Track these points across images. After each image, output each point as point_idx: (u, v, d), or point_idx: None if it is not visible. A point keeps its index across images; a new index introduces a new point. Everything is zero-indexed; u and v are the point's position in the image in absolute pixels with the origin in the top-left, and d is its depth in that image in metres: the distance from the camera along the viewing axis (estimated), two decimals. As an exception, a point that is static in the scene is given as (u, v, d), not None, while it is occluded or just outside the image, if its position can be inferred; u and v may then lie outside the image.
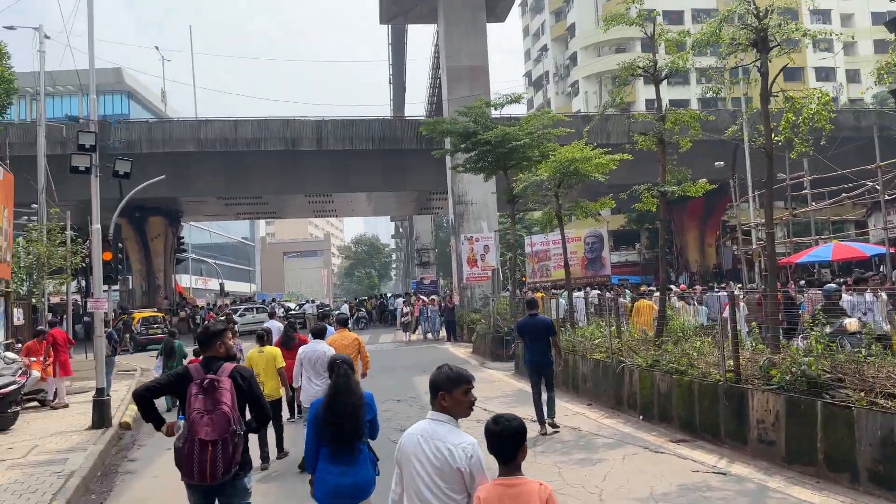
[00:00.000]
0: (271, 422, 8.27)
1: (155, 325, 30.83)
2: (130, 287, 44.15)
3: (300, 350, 8.20)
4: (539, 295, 27.13)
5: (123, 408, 13.07)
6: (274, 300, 48.08)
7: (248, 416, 4.41)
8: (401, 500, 3.12)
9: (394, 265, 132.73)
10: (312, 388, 7.72)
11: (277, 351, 8.92)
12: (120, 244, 24.46)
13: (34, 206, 25.42)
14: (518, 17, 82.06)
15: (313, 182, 38.52)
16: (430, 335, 25.65)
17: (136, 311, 36.49)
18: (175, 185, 37.34)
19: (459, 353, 20.52)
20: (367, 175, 38.21)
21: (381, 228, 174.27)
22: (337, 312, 17.38)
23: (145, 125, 36.96)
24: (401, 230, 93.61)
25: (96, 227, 11.54)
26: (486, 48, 29.29)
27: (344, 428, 4.19)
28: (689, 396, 8.37)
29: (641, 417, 9.37)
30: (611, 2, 66.72)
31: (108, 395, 11.49)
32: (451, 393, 3.11)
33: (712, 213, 48.82)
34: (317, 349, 7.93)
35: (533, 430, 8.98)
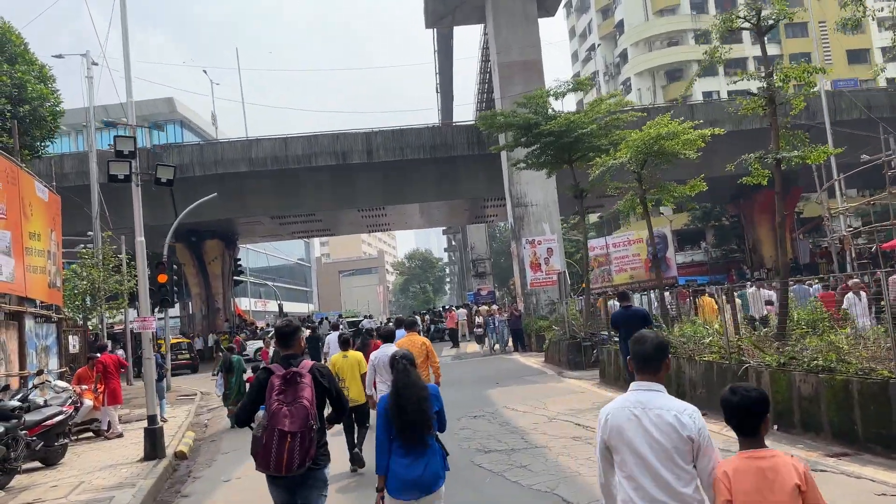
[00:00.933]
0: (357, 427, 8.22)
1: (182, 351, 31.51)
2: (191, 311, 44.11)
3: (372, 356, 8.03)
4: (600, 302, 25.24)
5: (180, 435, 12.11)
6: (325, 319, 47.39)
7: (326, 412, 4.48)
8: (609, 486, 2.88)
9: (448, 279, 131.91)
10: (386, 391, 7.25)
11: (361, 356, 8.61)
12: (175, 266, 23.96)
13: (90, 233, 25.22)
14: (563, 19, 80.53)
15: (366, 195, 37.70)
16: (497, 347, 23.74)
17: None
18: (229, 207, 37.13)
19: (532, 363, 19.10)
20: (420, 185, 37.22)
21: (434, 243, 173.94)
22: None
23: (196, 148, 36.78)
24: (453, 243, 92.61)
25: (140, 239, 10.63)
26: (538, 40, 27.95)
27: (412, 420, 4.21)
28: (846, 399, 6.79)
29: (776, 427, 7.80)
30: (659, -5, 65.00)
31: (160, 422, 10.49)
32: (667, 359, 2.87)
33: (784, 205, 46.05)
34: (388, 353, 7.24)
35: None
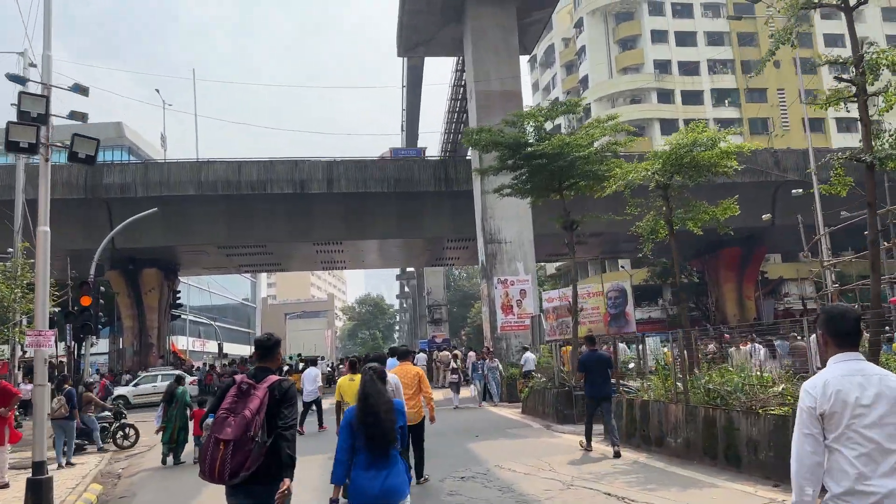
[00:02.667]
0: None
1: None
2: (121, 346, 40.43)
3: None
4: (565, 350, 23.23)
5: (80, 489, 9.39)
6: (234, 361, 44.05)
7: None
8: (817, 466, 2.63)
9: (397, 326, 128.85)
10: None
11: None
12: (103, 288, 21.08)
13: (10, 250, 22.19)
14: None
15: (323, 228, 35.35)
16: (488, 395, 19.13)
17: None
18: (172, 233, 34.27)
19: (508, 415, 16.78)
20: (381, 220, 35.10)
21: (384, 289, 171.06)
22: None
23: (141, 167, 34.03)
24: (406, 289, 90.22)
25: (42, 229, 8.16)
26: (518, 71, 26.53)
27: (378, 431, 4.19)
28: None
29: None
30: (624, 54, 65.47)
31: (57, 469, 7.86)
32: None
33: (749, 262, 45.49)
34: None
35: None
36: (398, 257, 48.20)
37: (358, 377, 7.77)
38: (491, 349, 21.03)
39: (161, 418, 12.03)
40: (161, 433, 11.97)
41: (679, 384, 9.34)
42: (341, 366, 31.87)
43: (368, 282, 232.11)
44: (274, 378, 4.28)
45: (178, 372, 23.95)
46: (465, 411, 18.24)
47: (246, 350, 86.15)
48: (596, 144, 16.37)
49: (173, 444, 11.87)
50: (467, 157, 37.25)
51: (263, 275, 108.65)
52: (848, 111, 8.04)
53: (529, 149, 15.61)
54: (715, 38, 66.65)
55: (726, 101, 67.28)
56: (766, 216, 29.23)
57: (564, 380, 14.81)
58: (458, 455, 10.88)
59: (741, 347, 11.56)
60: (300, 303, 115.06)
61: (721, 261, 45.37)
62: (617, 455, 9.56)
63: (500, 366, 18.29)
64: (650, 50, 64.18)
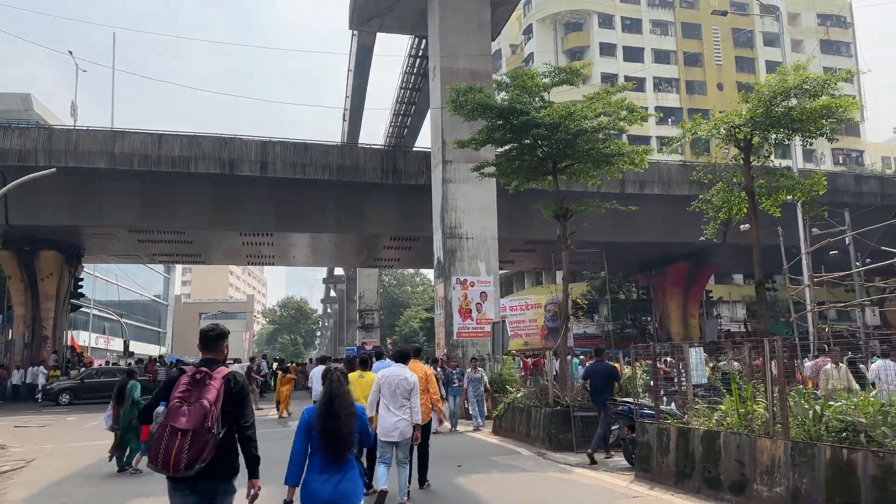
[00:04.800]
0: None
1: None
2: (10, 336, 35.40)
3: (379, 374, 7.40)
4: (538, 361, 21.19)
5: None
6: (141, 361, 39.78)
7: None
8: None
9: (319, 332, 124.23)
10: (390, 418, 7.05)
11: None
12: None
13: None
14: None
15: (253, 216, 31.71)
16: (476, 421, 14.76)
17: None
18: (78, 211, 29.95)
19: (482, 437, 13.84)
20: (320, 211, 31.80)
21: (307, 293, 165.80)
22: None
23: (45, 132, 29.53)
24: (333, 293, 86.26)
25: None
26: (489, 50, 23.96)
27: (338, 435, 4.16)
28: None
29: None
30: (572, 64, 64.39)
31: None
32: None
33: (696, 281, 44.31)
34: (398, 374, 7.20)
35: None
36: (332, 255, 44.70)
37: (368, 375, 7.78)
38: (448, 357, 17.88)
39: (111, 419, 10.38)
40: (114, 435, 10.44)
41: (775, 410, 6.74)
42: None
43: (290, 284, 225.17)
44: (226, 369, 4.22)
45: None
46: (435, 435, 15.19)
47: (155, 350, 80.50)
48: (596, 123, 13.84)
49: (118, 448, 10.33)
50: (414, 149, 34.43)
51: (178, 271, 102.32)
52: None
53: (526, 117, 12.89)
54: (661, 56, 66.42)
55: (669, 120, 67.10)
56: (743, 227, 27.39)
57: (559, 398, 12.08)
58: (448, 495, 8.00)
59: (839, 364, 9.12)
60: (217, 302, 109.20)
61: (668, 277, 44.05)
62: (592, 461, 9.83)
63: (486, 377, 15.29)
64: (598, 63, 63.24)
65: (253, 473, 4.10)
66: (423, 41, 31.73)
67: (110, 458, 10.39)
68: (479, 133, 14.31)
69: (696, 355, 9.23)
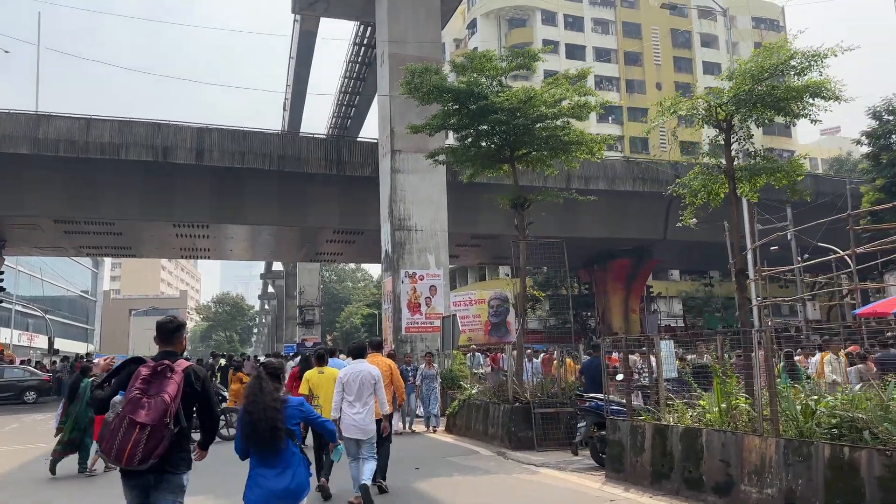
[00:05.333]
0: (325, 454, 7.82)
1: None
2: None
3: (340, 373, 7.29)
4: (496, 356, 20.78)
5: None
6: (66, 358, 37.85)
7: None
8: None
9: (255, 329, 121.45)
10: (355, 415, 6.95)
11: (338, 373, 7.49)
12: None
13: None
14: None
15: (187, 207, 30.24)
16: (432, 423, 13.62)
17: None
18: (-2, 199, 27.99)
19: (437, 436, 13.22)
20: (259, 202, 30.55)
21: (242, 288, 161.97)
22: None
23: (-41, 114, 27.40)
24: (271, 289, 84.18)
25: None
26: (439, 37, 23.34)
27: (259, 431, 4.17)
28: None
29: None
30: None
31: None
32: None
33: (637, 276, 44.76)
34: (360, 370, 7.14)
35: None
36: (271, 249, 43.30)
37: (328, 370, 7.76)
38: (396, 352, 16.93)
39: (60, 418, 9.85)
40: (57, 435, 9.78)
41: (763, 406, 6.33)
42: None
43: (225, 280, 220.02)
44: (186, 363, 4.15)
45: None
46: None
47: (82, 347, 77.04)
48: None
49: (63, 447, 9.62)
50: (360, 139, 33.52)
51: (107, 265, 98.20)
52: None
53: (484, 101, 12.29)
54: (602, 54, 66.99)
55: (609, 119, 67.84)
56: (692, 221, 27.39)
57: (518, 394, 11.54)
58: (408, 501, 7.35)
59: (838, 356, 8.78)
60: (148, 298, 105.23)
61: (610, 272, 44.34)
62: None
63: (439, 374, 14.53)
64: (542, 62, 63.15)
65: (203, 446, 4.30)
66: (369, 28, 30.83)
67: (51, 465, 9.55)
68: (433, 118, 13.63)
69: (666, 348, 8.80)
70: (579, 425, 9.45)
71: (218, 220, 31.81)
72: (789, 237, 25.74)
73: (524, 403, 11.25)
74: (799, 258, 25.43)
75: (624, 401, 8.60)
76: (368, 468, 7.10)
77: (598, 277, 45.91)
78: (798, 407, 6.35)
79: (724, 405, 7.07)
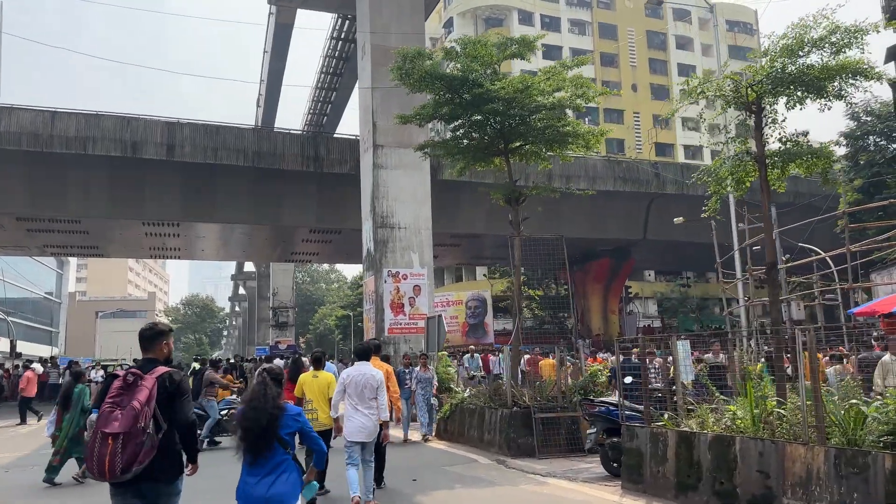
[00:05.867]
0: None
1: None
2: None
3: (343, 374, 7.23)
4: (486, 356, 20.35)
5: None
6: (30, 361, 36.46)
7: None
8: None
9: (226, 332, 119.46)
10: (358, 418, 6.87)
11: (332, 377, 7.75)
12: None
13: None
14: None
15: (158, 204, 29.13)
16: (424, 429, 12.59)
17: None
18: (-45, 196, 26.66)
19: (433, 444, 12.43)
20: (232, 200, 29.57)
21: (212, 290, 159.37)
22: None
23: (-85, 107, 26.04)
24: (242, 290, 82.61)
25: None
26: (423, 28, 22.62)
27: (254, 437, 4.11)
28: None
29: None
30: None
31: None
32: None
33: (616, 276, 44.50)
34: (364, 372, 7.02)
35: None
36: (244, 248, 42.15)
37: (322, 374, 7.71)
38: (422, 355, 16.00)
39: (54, 425, 9.55)
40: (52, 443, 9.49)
41: (809, 411, 5.76)
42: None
43: (193, 281, 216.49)
44: (163, 369, 4.11)
45: None
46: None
47: (46, 351, 74.87)
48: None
49: (57, 461, 9.31)
50: (338, 135, 32.67)
51: (72, 266, 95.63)
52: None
53: (480, 89, 11.63)
54: (579, 55, 66.67)
55: (586, 119, 67.72)
56: (677, 219, 27.29)
57: (517, 398, 10.90)
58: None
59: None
60: (115, 300, 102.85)
61: (589, 273, 44.01)
62: None
63: (436, 378, 13.68)
64: (517, 60, 62.84)
65: (191, 460, 4.20)
66: (347, 22, 30.08)
67: (48, 474, 9.23)
68: (422, 108, 12.93)
69: (683, 349, 8.22)
70: (589, 432, 8.83)
71: (189, 219, 30.74)
72: (775, 237, 25.47)
73: (524, 408, 10.61)
74: (784, 258, 25.25)
75: (640, 406, 8.00)
76: (369, 479, 7.09)
77: (578, 278, 45.54)
78: (849, 413, 5.79)
79: (757, 411, 6.49)
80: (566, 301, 51.64)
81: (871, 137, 34.27)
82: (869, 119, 33.79)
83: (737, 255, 23.35)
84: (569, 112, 12.65)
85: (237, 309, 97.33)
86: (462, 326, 51.36)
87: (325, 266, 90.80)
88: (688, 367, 8.22)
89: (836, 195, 34.87)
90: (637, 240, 40.82)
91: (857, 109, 33.91)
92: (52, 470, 9.26)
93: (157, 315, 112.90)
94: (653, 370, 9.59)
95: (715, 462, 6.62)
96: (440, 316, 18.54)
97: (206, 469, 4.66)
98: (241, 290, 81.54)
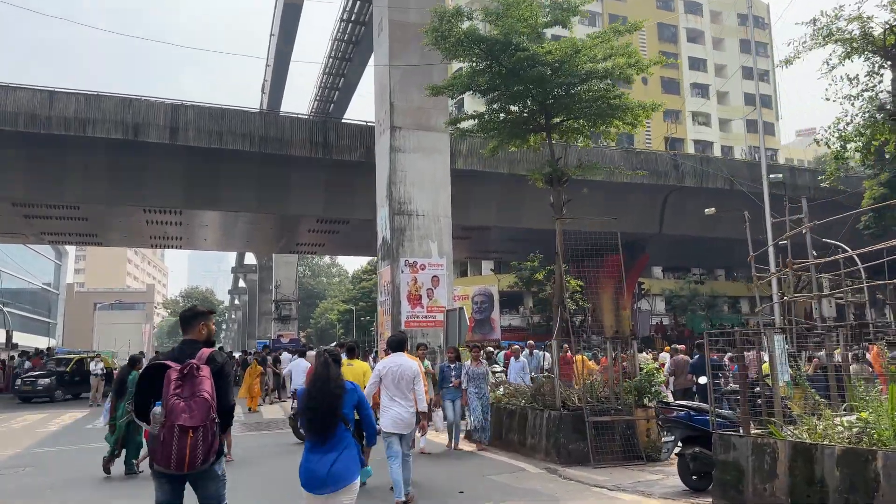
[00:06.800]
0: None
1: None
2: None
3: (378, 365, 7.24)
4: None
5: None
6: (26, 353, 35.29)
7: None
8: None
9: (224, 325, 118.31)
10: (395, 409, 6.82)
11: (367, 366, 8.25)
12: None
13: None
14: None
15: (159, 190, 28.00)
16: (477, 435, 10.77)
17: None
18: (-53, 178, 25.50)
19: (465, 447, 11.12)
20: (237, 188, 28.42)
21: (210, 283, 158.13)
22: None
23: None
24: (242, 283, 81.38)
25: None
26: (444, 2, 21.48)
27: (319, 416, 4.19)
28: None
29: None
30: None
31: None
32: None
33: (630, 271, 43.28)
34: (400, 363, 6.97)
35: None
36: (247, 238, 40.96)
37: (357, 363, 8.30)
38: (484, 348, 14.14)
39: (109, 413, 9.34)
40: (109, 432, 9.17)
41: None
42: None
43: (193, 274, 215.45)
44: (207, 351, 4.16)
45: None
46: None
47: (43, 342, 73.79)
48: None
49: (117, 452, 9.10)
50: (347, 120, 31.46)
51: (71, 257, 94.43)
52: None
53: (525, 53, 10.43)
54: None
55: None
56: (708, 210, 26.20)
57: (566, 399, 9.74)
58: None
59: None
60: (114, 292, 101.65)
61: (602, 268, 42.74)
62: None
63: (491, 374, 12.13)
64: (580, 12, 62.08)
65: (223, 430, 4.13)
66: (357, 2, 28.92)
67: (106, 466, 9.05)
68: (454, 79, 11.75)
69: (780, 344, 7.06)
70: (665, 440, 7.68)
71: (192, 206, 29.60)
72: (804, 231, 24.39)
73: (574, 410, 9.45)
74: (814, 253, 24.15)
75: (728, 412, 6.83)
76: (406, 473, 6.94)
77: (590, 273, 44.39)
78: None
79: (900, 419, 5.33)
80: (572, 296, 50.62)
81: (897, 130, 33.09)
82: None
83: (771, 251, 22.21)
84: (626, 79, 11.42)
85: (237, 302, 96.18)
86: (469, 321, 50.35)
87: (327, 260, 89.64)
88: (784, 366, 7.05)
89: (858, 191, 33.78)
90: (652, 234, 39.72)
91: (883, 101, 32.75)
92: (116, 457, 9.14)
93: (155, 307, 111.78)
94: (728, 369, 8.44)
95: (847, 481, 5.46)
96: (461, 309, 17.39)
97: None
98: (242, 283, 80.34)
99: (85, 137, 24.98)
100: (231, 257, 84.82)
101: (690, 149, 67.85)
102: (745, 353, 6.93)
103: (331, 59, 33.78)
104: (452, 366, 10.98)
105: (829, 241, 25.79)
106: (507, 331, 52.40)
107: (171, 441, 3.76)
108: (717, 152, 69.49)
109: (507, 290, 54.23)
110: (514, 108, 11.76)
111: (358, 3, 28.85)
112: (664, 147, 61.34)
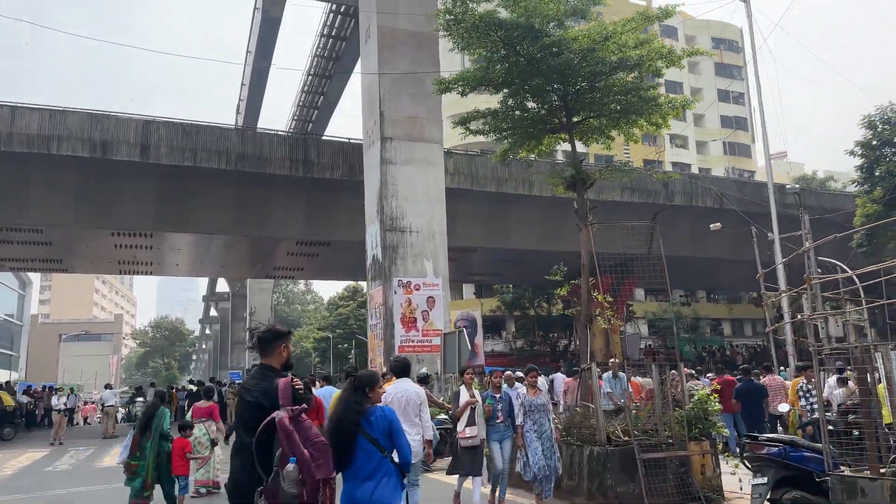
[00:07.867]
0: None
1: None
2: None
3: (386, 392, 6.46)
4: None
5: None
6: (50, 388, 33.14)
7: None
8: None
9: (195, 355, 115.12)
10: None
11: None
12: None
13: None
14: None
15: (129, 212, 26.29)
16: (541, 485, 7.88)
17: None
18: None
19: (486, 490, 9.67)
20: (211, 208, 26.86)
21: (180, 313, 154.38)
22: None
23: None
24: (214, 312, 79.01)
25: None
26: (435, 5, 20.44)
27: (333, 444, 3.87)
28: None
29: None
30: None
31: None
32: None
33: (619, 294, 42.32)
34: (406, 389, 6.73)
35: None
36: (221, 263, 39.19)
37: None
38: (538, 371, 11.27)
39: (129, 450, 7.90)
40: (128, 475, 7.84)
41: None
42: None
43: (162, 304, 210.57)
44: (287, 381, 3.76)
45: None
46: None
47: (5, 375, 70.55)
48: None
49: (147, 493, 7.81)
50: (328, 137, 30.12)
51: (36, 287, 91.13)
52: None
53: (548, 39, 9.26)
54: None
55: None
56: (714, 226, 25.37)
57: (612, 433, 8.39)
58: None
59: None
60: (80, 322, 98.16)
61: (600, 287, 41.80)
62: None
63: (551, 405, 9.02)
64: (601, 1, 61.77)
65: None
66: (338, 16, 27.83)
67: None
68: (466, 72, 10.53)
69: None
70: (754, 482, 6.32)
71: (164, 228, 27.90)
72: (808, 247, 23.63)
73: (622, 445, 8.11)
74: (818, 270, 23.35)
75: (818, 444, 5.53)
76: (414, 498, 6.78)
77: (577, 296, 43.42)
78: None
79: None
80: (557, 320, 49.63)
81: (886, 148, 32.73)
82: (887, 128, 32.26)
83: (780, 270, 21.28)
84: (655, 73, 10.33)
85: (207, 332, 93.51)
86: (474, 347, 48.95)
87: (301, 286, 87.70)
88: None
89: (849, 210, 33.33)
90: (640, 255, 38.80)
91: (873, 117, 32.45)
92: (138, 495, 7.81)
93: (123, 338, 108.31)
94: (809, 395, 7.19)
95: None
96: (462, 331, 16.05)
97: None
98: (213, 312, 77.97)
99: (49, 155, 23.37)
100: (202, 286, 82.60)
101: (668, 167, 67.87)
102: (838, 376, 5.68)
103: (310, 77, 32.56)
104: (497, 396, 8.31)
105: (826, 259, 25.11)
106: (490, 357, 50.96)
107: (320, 499, 3.51)
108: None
109: (489, 314, 52.98)
110: (531, 104, 10.58)
111: (339, 17, 27.75)
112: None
